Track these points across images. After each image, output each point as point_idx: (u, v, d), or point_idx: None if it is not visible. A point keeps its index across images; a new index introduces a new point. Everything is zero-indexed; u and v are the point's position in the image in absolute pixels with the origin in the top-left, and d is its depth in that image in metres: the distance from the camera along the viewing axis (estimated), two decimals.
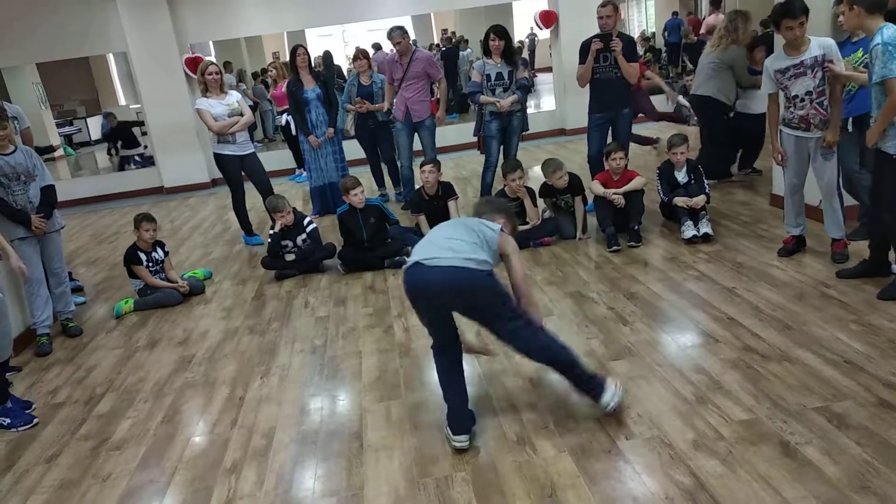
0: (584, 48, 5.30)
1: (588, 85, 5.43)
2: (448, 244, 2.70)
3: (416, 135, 6.38)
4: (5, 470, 3.02)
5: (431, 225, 5.13)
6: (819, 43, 3.82)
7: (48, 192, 4.40)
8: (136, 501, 2.68)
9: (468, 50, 13.22)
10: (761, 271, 4.08)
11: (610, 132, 5.51)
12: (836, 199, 3.99)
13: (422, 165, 5.24)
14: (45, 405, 3.60)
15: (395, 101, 6.44)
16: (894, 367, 2.90)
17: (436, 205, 5.20)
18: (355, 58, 6.97)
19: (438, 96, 6.62)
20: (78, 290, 5.40)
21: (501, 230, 2.83)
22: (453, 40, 14.13)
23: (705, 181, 4.90)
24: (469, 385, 3.20)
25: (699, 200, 4.73)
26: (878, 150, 3.50)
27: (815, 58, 3.81)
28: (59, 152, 13.84)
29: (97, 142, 14.90)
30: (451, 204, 5.21)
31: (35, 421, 3.41)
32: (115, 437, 3.19)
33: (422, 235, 5.13)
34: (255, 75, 12.51)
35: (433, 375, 3.36)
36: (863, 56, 3.89)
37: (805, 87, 3.87)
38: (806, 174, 4.10)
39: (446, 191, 5.25)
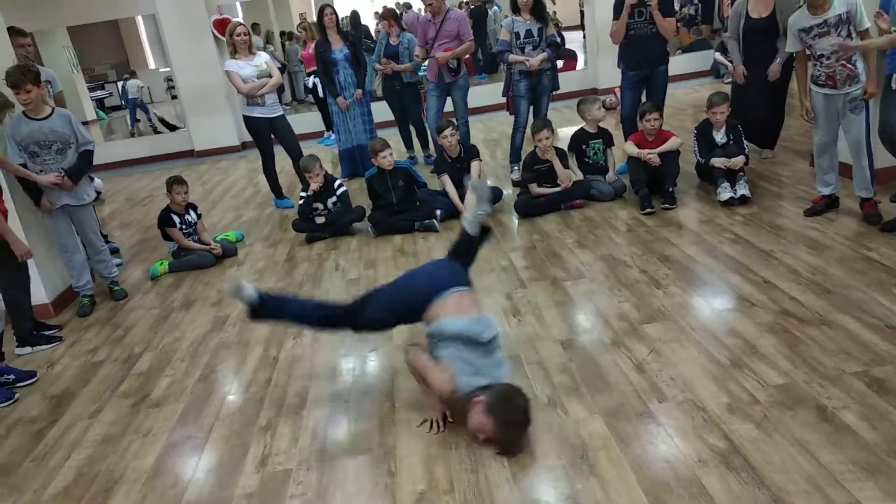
0: (619, 3, 5.13)
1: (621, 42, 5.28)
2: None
3: (447, 97, 6.26)
4: (51, 424, 3.13)
5: (455, 185, 5.10)
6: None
7: (82, 156, 4.21)
8: (175, 456, 2.77)
9: (496, 7, 12.92)
10: (800, 233, 3.97)
11: (644, 91, 5.36)
12: (864, 158, 3.91)
13: (440, 130, 5.15)
14: (85, 363, 3.71)
15: (427, 62, 6.31)
16: None
17: (459, 167, 5.13)
18: (382, 17, 6.87)
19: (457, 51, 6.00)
20: (114, 251, 5.50)
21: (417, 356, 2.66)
22: None
23: (744, 142, 4.76)
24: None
25: (738, 161, 4.60)
26: None
27: (839, 16, 3.73)
28: (92, 116, 14.01)
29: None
30: (473, 164, 5.13)
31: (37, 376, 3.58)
32: (154, 394, 3.27)
33: (447, 197, 5.12)
34: (290, 35, 12.31)
35: None
36: None
37: (830, 46, 3.78)
38: (836, 133, 4.03)
39: (469, 152, 5.18)
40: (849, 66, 3.77)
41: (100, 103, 15.17)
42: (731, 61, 5.52)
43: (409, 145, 7.19)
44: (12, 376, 3.51)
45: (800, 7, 4.02)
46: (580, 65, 10.21)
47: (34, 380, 3.56)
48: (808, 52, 3.93)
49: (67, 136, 4.14)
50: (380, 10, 8.77)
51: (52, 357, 3.84)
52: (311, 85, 8.51)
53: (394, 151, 5.12)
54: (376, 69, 6.72)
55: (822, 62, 3.86)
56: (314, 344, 3.53)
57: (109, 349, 3.85)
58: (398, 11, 8.62)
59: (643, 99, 5.31)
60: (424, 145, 7.06)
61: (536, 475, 2.34)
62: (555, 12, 14.51)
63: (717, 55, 9.24)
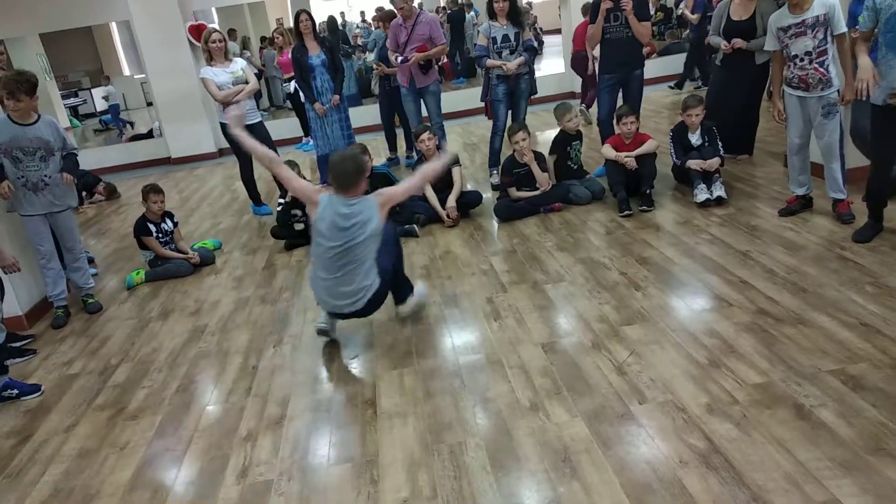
0: (595, 7, 5.18)
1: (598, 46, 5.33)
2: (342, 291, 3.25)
3: (422, 101, 6.27)
4: (25, 439, 3.07)
5: (436, 190, 5.10)
6: (822, 1, 3.75)
7: (69, 157, 4.17)
8: (153, 469, 2.72)
9: (473, 12, 12.98)
10: (776, 234, 4.03)
11: (621, 94, 5.41)
12: (836, 161, 3.98)
13: (418, 135, 5.15)
14: (60, 376, 3.64)
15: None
16: None
17: None
18: (380, 19, 6.93)
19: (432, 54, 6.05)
20: (89, 261, 5.41)
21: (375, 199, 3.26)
22: (459, 2, 13.86)
23: (719, 143, 4.81)
24: (480, 352, 3.22)
25: (713, 163, 4.65)
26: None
27: (817, 17, 3.78)
28: (66, 124, 13.80)
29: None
30: (454, 171, 5.13)
31: (42, 389, 3.48)
32: (131, 406, 3.22)
33: (427, 202, 5.12)
34: (271, 41, 12.23)
35: (446, 342, 3.37)
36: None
37: (805, 46, 3.84)
38: (809, 134, 4.09)
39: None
40: (821, 69, 3.83)
41: (73, 111, 14.95)
42: (713, 61, 5.63)
43: (392, 147, 7.19)
44: (16, 391, 3.43)
45: (781, 6, 4.06)
46: (559, 69, 10.26)
47: (39, 394, 3.46)
48: (784, 52, 3.98)
49: (52, 143, 4.08)
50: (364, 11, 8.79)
51: (25, 370, 3.76)
52: (292, 90, 8.45)
53: (373, 155, 5.09)
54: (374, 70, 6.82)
55: (797, 63, 3.91)
56: (294, 353, 3.51)
57: (85, 361, 3.78)
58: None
59: (619, 102, 5.36)
60: (410, 146, 7.06)
61: (519, 480, 2.34)
62: (527, 11, 14.57)
63: None
